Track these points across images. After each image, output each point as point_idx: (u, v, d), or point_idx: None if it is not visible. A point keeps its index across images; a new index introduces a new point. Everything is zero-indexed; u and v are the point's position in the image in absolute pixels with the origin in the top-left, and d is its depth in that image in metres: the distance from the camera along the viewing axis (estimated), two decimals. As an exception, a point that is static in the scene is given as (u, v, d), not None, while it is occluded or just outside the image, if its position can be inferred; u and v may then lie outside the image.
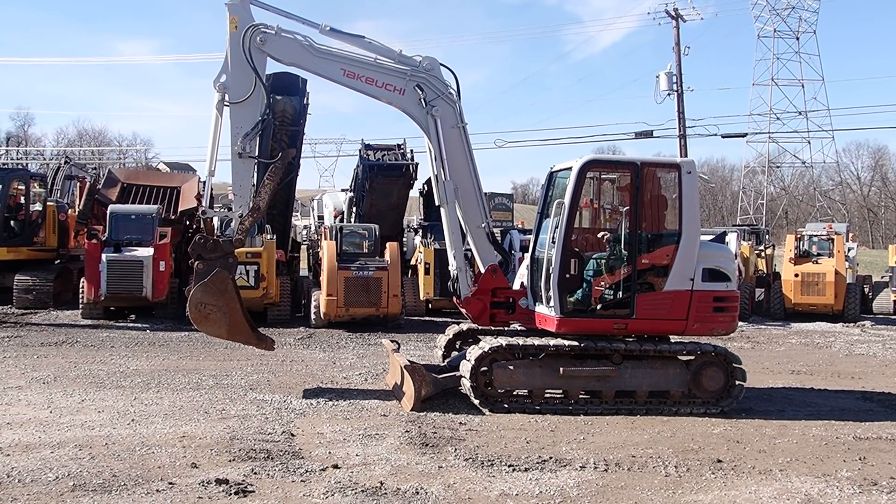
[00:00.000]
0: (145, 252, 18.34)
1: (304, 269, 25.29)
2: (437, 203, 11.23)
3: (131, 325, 18.12)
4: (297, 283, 21.48)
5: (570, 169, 10.32)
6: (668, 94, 36.54)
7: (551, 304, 10.10)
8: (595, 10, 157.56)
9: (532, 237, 11.28)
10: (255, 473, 7.22)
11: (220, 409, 9.81)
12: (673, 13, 37.68)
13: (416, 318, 20.80)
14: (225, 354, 14.16)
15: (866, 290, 25.37)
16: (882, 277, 26.18)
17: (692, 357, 10.32)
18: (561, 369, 10.06)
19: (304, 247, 26.20)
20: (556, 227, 10.09)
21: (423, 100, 10.91)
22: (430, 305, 21.66)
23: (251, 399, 10.46)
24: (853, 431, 9.16)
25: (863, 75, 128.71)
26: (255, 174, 11.57)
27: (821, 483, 7.19)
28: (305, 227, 28.62)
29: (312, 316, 18.48)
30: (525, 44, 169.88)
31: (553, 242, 10.12)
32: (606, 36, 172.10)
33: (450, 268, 11.26)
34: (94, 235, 18.79)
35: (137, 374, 12.04)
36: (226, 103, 10.61)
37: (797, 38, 73.11)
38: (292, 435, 8.69)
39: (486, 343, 10.19)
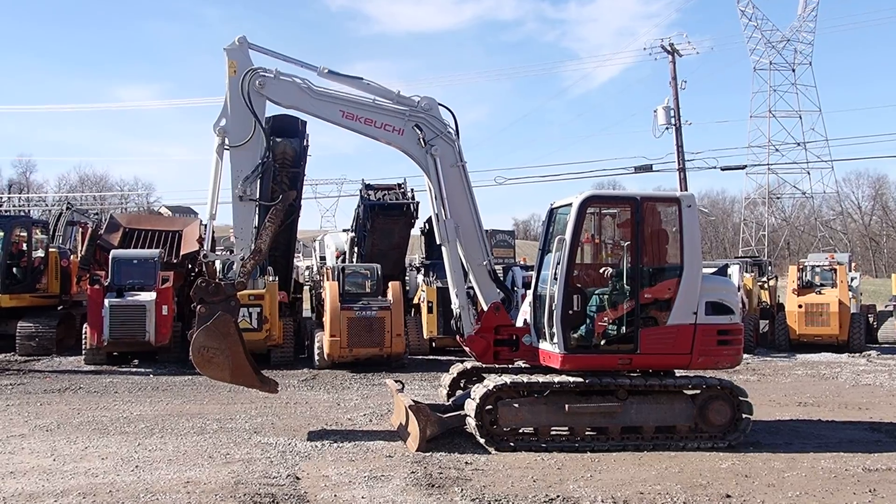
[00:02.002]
0: (148, 296, 18.34)
1: (307, 311, 25.25)
2: (438, 242, 11.26)
3: (134, 370, 18.06)
4: (300, 325, 21.44)
5: (570, 205, 10.34)
6: (667, 128, 36.72)
7: (555, 340, 10.07)
8: (592, 46, 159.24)
9: (534, 274, 11.27)
10: (261, 518, 7.16)
11: (225, 453, 9.75)
12: (669, 48, 38.00)
13: (420, 357, 20.74)
14: (229, 398, 14.09)
15: (871, 319, 25.28)
16: (886, 306, 26.10)
17: (698, 391, 10.27)
18: (566, 406, 10.01)
19: (306, 288, 26.18)
20: (558, 263, 10.08)
21: (422, 139, 10.99)
22: (433, 344, 21.59)
23: (255, 442, 10.39)
24: (862, 463, 9.09)
25: (860, 105, 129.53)
26: (257, 217, 11.60)
27: (831, 517, 7.12)
28: (308, 267, 28.61)
29: (316, 357, 18.43)
30: (524, 81, 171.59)
31: (555, 279, 10.11)
32: (604, 71, 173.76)
33: (452, 306, 11.26)
34: (97, 281, 18.82)
35: (141, 420, 11.98)
36: (226, 147, 10.67)
37: (793, 70, 73.62)
38: (297, 478, 8.62)
39: (491, 381, 10.15)
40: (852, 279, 25.03)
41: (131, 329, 18.07)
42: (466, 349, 11.06)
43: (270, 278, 18.75)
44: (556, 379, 10.07)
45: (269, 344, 18.50)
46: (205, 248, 11.43)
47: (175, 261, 21.58)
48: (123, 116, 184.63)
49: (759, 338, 23.55)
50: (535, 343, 10.71)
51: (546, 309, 10.28)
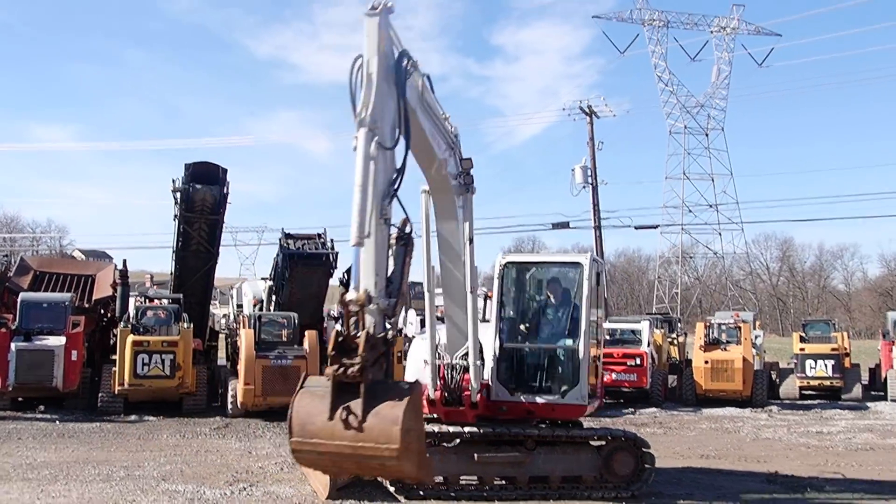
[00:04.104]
0: (57, 341, 17.99)
1: (221, 358, 24.97)
2: (467, 290, 9.97)
3: (40, 416, 17.59)
4: (214, 372, 21.19)
5: (576, 263, 10.95)
6: (584, 187, 37.74)
7: (582, 392, 10.29)
8: (515, 104, 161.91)
9: (494, 328, 10.71)
10: (165, 565, 7.14)
11: (131, 500, 9.66)
12: (587, 110, 39.21)
13: (335, 406, 20.64)
14: (137, 445, 13.89)
15: (773, 375, 26.17)
16: (788, 364, 27.06)
17: (603, 442, 10.56)
18: (476, 456, 10.19)
19: (222, 335, 25.92)
20: (573, 319, 10.63)
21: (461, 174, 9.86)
22: (349, 394, 21.52)
23: (163, 490, 10.30)
24: (755, 514, 9.48)
25: (769, 170, 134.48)
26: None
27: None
28: (225, 315, 28.32)
29: (229, 405, 18.26)
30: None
31: (569, 335, 10.62)
32: (526, 129, 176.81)
33: (460, 361, 10.19)
34: (3, 324, 18.36)
35: (45, 466, 11.73)
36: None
37: (706, 135, 76.19)
38: (204, 525, 8.60)
39: (402, 430, 10.26)
40: (756, 337, 25.90)
41: (38, 374, 17.68)
42: (468, 416, 10.25)
43: (185, 325, 18.58)
44: (467, 429, 10.25)
45: (182, 391, 18.24)
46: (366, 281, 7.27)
47: (87, 305, 21.23)
48: (39, 157, 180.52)
49: (668, 392, 24.14)
50: (502, 396, 10.44)
51: (567, 362, 10.55)
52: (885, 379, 24.83)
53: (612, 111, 40.25)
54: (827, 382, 24.69)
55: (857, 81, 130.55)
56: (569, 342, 10.64)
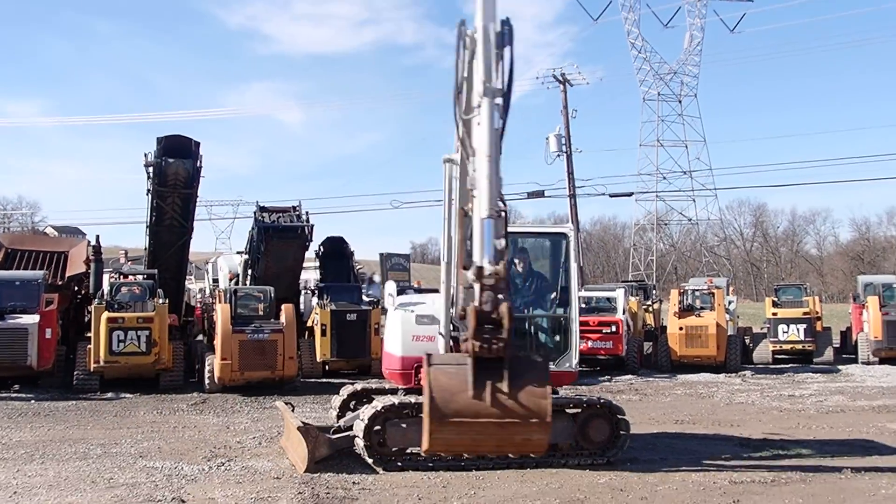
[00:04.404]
0: (30, 319, 17.85)
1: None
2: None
3: (15, 395, 17.49)
4: (190, 348, 21.14)
5: (558, 234, 11.23)
6: (558, 156, 37.81)
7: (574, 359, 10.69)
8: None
9: None
10: (144, 541, 7.16)
11: (108, 478, 9.63)
12: (560, 78, 39.20)
13: (313, 380, 20.75)
14: (114, 423, 13.86)
15: (746, 340, 26.51)
16: (761, 329, 27.39)
17: (579, 410, 10.66)
18: (453, 425, 10.26)
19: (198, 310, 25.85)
20: (563, 289, 10.91)
21: None
22: (326, 367, 21.64)
23: (141, 466, 10.28)
24: (729, 477, 9.60)
25: (742, 136, 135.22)
26: None
27: (696, 526, 7.56)
28: (200, 290, 28.25)
29: (206, 380, 18.22)
30: (422, 105, 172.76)
31: (562, 304, 10.86)
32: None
33: None
34: (-24, 303, 18.19)
35: (21, 446, 11.69)
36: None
37: (679, 102, 76.43)
38: (182, 501, 8.61)
39: (380, 402, 10.31)
40: (729, 302, 26.23)
41: (12, 353, 17.56)
42: None
43: (160, 301, 18.49)
44: (444, 399, 10.30)
45: (158, 368, 18.18)
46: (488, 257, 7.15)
47: (60, 282, 21.04)
48: (8, 133, 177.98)
49: (643, 359, 24.40)
50: None
51: (559, 330, 10.78)
52: (856, 342, 25.24)
53: (585, 79, 40.35)
54: (799, 346, 25.05)
55: (828, 47, 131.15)
56: (560, 310, 10.80)
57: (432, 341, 10.35)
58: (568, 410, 10.70)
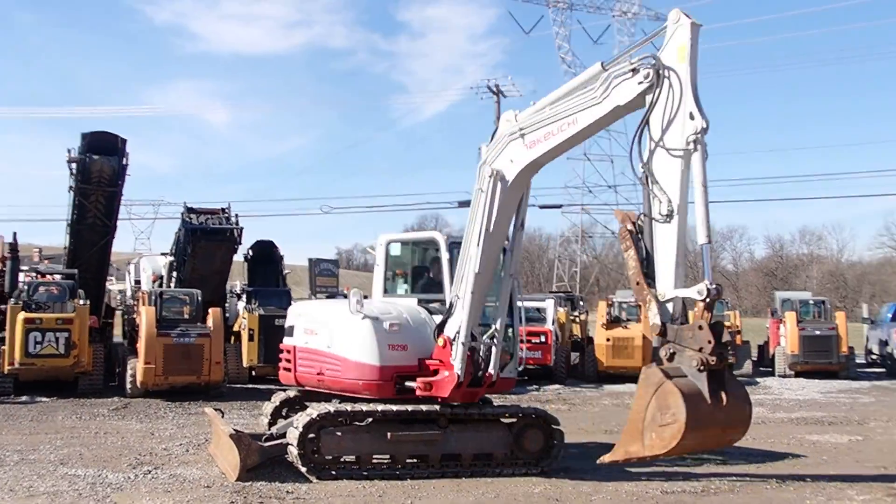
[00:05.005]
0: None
1: (118, 336, 24.23)
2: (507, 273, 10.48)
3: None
4: (111, 351, 20.52)
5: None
6: (489, 166, 37.94)
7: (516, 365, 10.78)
8: (420, 80, 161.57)
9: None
10: (70, 552, 6.87)
11: (28, 486, 9.24)
12: (494, 89, 39.46)
13: (239, 385, 20.36)
14: (31, 428, 13.36)
15: (670, 352, 26.95)
16: (683, 341, 27.88)
17: (514, 419, 10.66)
18: (388, 434, 10.14)
19: (118, 312, 25.15)
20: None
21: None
22: (253, 373, 21.27)
23: (62, 474, 9.90)
24: (661, 486, 9.71)
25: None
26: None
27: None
28: (121, 291, 27.47)
29: (128, 385, 17.72)
30: (352, 110, 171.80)
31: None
32: (431, 106, 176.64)
33: (485, 341, 10.26)
34: None
35: (-68, 451, 11.16)
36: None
37: (604, 117, 77.55)
38: (110, 510, 8.32)
39: (314, 410, 10.14)
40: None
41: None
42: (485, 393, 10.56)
43: (81, 302, 17.90)
44: (380, 407, 10.18)
45: (78, 371, 17.61)
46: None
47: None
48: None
49: (570, 369, 24.62)
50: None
51: (506, 338, 10.58)
52: (773, 356, 25.91)
53: (518, 91, 40.66)
54: (722, 358, 25.55)
55: (750, 70, 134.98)
56: (507, 319, 10.65)
57: (406, 350, 10.26)
58: (503, 420, 10.70)
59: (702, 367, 7.43)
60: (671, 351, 7.81)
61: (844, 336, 24.84)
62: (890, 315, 27.60)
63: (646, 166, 8.19)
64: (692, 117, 7.99)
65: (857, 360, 27.54)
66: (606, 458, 8.22)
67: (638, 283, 8.26)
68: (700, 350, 7.53)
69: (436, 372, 10.12)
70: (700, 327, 7.63)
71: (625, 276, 78.92)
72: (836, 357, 24.66)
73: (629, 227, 8.46)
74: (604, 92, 8.63)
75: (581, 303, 30.70)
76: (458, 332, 9.88)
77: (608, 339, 23.48)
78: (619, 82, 8.51)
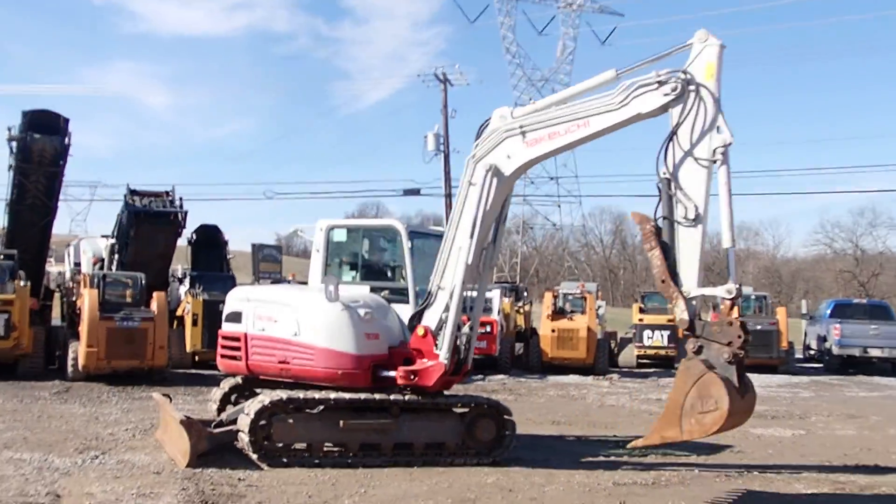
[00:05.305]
0: None
1: (56, 318, 23.71)
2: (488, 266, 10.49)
3: None
4: (50, 333, 20.09)
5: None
6: (436, 154, 38.00)
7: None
8: (363, 67, 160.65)
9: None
10: (21, 539, 6.73)
11: (-28, 470, 9.02)
12: (442, 77, 39.41)
13: (182, 370, 20.10)
14: (-30, 411, 13.02)
15: (612, 345, 27.38)
16: (626, 333, 28.35)
17: (466, 409, 10.71)
18: (341, 422, 10.11)
19: (57, 294, 24.60)
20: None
21: None
22: (196, 358, 21.01)
23: (6, 458, 9.68)
24: (612, 478, 9.85)
25: (605, 147, 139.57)
26: None
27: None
28: (59, 273, 26.87)
29: (69, 368, 17.37)
30: (293, 95, 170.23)
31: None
32: (374, 93, 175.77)
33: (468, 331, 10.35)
34: None
35: None
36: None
37: (550, 109, 78.10)
38: (58, 496, 8.16)
39: (266, 396, 10.05)
40: (599, 307, 27.02)
41: None
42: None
43: (22, 283, 17.48)
44: (332, 395, 10.14)
45: (18, 353, 17.23)
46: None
47: None
48: None
49: (515, 359, 24.81)
50: None
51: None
52: (715, 349, 26.40)
53: (466, 80, 40.70)
54: (662, 352, 26.10)
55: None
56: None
57: (378, 339, 10.25)
58: (456, 410, 10.74)
59: (732, 360, 8.00)
60: (699, 345, 8.23)
61: (785, 331, 25.50)
62: (829, 311, 28.32)
63: (672, 174, 8.57)
64: (720, 131, 8.48)
65: (796, 356, 28.25)
66: (640, 443, 8.58)
67: (664, 281, 8.55)
68: (729, 344, 8.05)
69: (408, 361, 10.18)
70: (730, 323, 8.18)
71: (565, 268, 79.84)
72: (777, 352, 25.30)
73: (649, 227, 8.69)
74: (624, 99, 8.90)
75: (525, 293, 30.93)
76: (444, 322, 9.98)
77: (553, 331, 23.70)
78: (642, 92, 8.82)
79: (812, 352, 30.00)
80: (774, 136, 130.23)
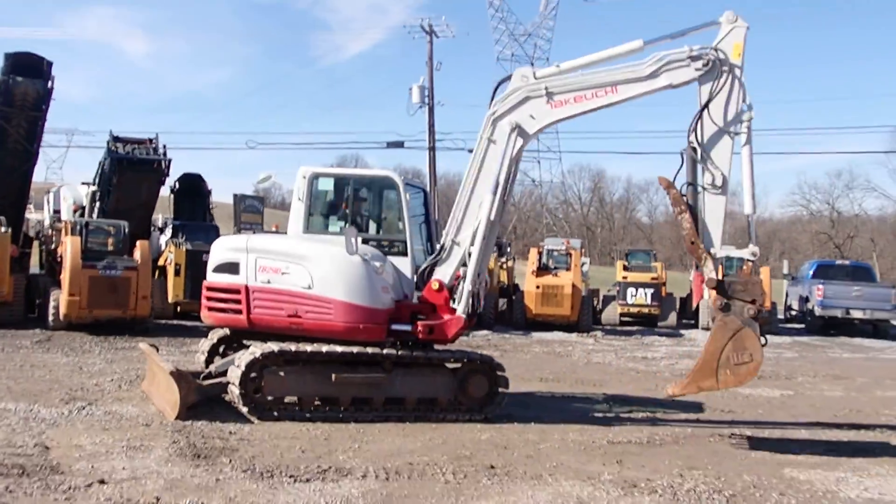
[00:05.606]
0: None
1: (34, 267, 23.34)
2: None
3: None
4: (30, 281, 19.77)
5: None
6: (420, 107, 37.56)
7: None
8: (343, 18, 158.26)
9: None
10: (11, 491, 6.58)
11: (-43, 419, 8.84)
12: (427, 28, 38.84)
13: (164, 321, 19.89)
14: (-49, 359, 12.78)
15: (595, 302, 27.40)
16: (609, 291, 28.36)
17: (459, 365, 10.60)
18: (333, 376, 9.97)
19: (35, 243, 24.20)
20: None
21: None
22: (178, 308, 20.79)
23: (-8, 408, 9.50)
24: (606, 436, 9.80)
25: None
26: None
27: (588, 486, 7.64)
28: (38, 221, 26.46)
29: (50, 317, 17.12)
30: (273, 46, 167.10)
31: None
32: (354, 45, 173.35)
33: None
34: None
35: None
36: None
37: (532, 64, 77.46)
38: (47, 448, 7.99)
39: (257, 349, 9.87)
40: (583, 264, 26.97)
41: None
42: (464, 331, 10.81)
43: (2, 229, 17.13)
44: (324, 348, 9.98)
45: (-2, 301, 16.94)
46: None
47: None
48: None
49: (498, 315, 24.77)
50: None
51: None
52: (696, 308, 26.51)
53: (452, 32, 40.11)
54: (645, 310, 26.09)
55: (677, 20, 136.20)
56: None
57: (388, 293, 10.25)
58: (448, 365, 10.63)
59: (755, 316, 8.93)
60: (724, 301, 9.06)
61: (768, 291, 25.56)
62: (811, 272, 28.42)
63: (701, 145, 9.34)
64: (749, 107, 9.34)
65: (778, 316, 28.36)
66: (675, 391, 9.32)
67: (693, 243, 9.36)
68: (753, 301, 8.99)
69: (415, 315, 10.31)
70: (753, 283, 9.15)
71: (543, 225, 79.84)
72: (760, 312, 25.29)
73: (676, 192, 9.43)
74: (655, 71, 9.55)
75: (508, 249, 30.83)
76: (463, 276, 10.31)
77: (538, 287, 23.62)
78: (675, 65, 9.51)
79: (793, 312, 30.11)
80: (752, 97, 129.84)
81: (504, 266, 28.64)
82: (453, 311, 10.36)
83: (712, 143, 9.38)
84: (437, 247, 10.60)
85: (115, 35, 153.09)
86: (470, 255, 10.29)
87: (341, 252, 9.93)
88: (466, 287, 10.31)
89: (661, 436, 9.96)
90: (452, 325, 10.35)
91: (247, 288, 10.21)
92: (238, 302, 10.23)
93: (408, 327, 10.27)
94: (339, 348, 10.01)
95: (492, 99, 10.31)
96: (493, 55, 79.70)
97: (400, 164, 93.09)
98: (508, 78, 10.36)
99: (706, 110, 9.33)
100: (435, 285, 10.32)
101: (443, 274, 10.37)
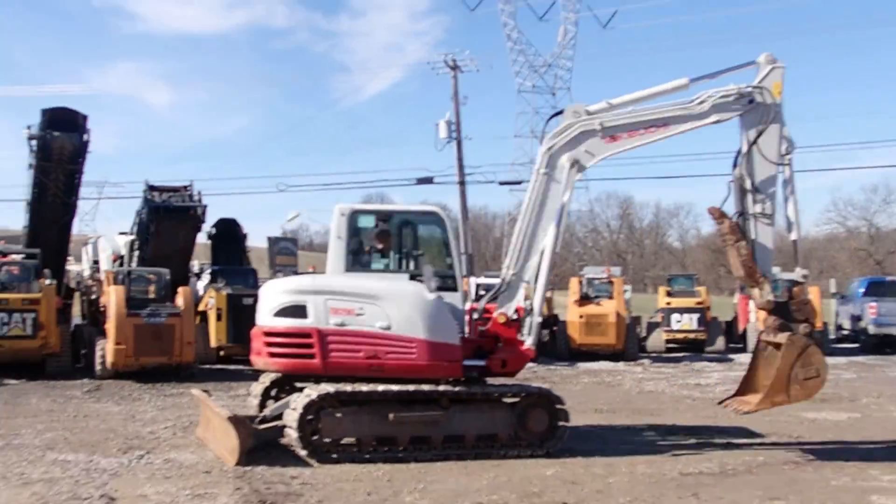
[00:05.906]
0: None
1: (76, 316, 23.45)
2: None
3: None
4: (75, 332, 19.82)
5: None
6: (448, 142, 37.57)
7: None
8: (360, 59, 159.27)
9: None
10: (82, 545, 6.44)
11: (20, 472, 8.75)
12: (451, 63, 38.98)
13: (207, 366, 19.83)
14: (6, 412, 12.78)
15: (637, 329, 27.01)
16: (652, 318, 27.95)
17: (517, 399, 10.39)
18: (391, 415, 9.80)
19: (77, 293, 24.35)
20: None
21: None
22: (221, 353, 20.74)
23: (52, 460, 9.42)
24: (675, 467, 9.52)
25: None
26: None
27: (668, 519, 7.39)
28: (78, 272, 26.66)
29: (98, 366, 17.11)
30: (293, 90, 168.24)
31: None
32: (373, 85, 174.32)
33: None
34: None
35: None
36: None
37: (553, 94, 77.50)
38: (112, 499, 7.89)
39: (313, 390, 9.72)
40: (625, 292, 26.65)
41: None
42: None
43: (47, 281, 17.21)
44: (380, 387, 9.82)
45: (45, 352, 16.99)
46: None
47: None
48: None
49: (540, 346, 24.44)
50: None
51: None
52: (745, 332, 26.00)
53: (476, 66, 40.18)
54: (692, 335, 25.67)
55: (698, 45, 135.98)
56: None
57: (459, 330, 10.24)
58: (506, 400, 10.42)
59: (810, 334, 9.61)
60: (780, 321, 9.74)
61: (819, 311, 25.01)
62: (862, 290, 27.79)
63: (751, 176, 10.12)
64: (788, 140, 10.16)
65: (829, 336, 27.76)
66: (752, 409, 9.87)
67: (750, 268, 9.94)
68: (806, 321, 9.72)
69: (478, 349, 10.37)
70: (805, 303, 9.89)
71: (572, 254, 79.37)
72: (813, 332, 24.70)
73: (730, 223, 10.11)
74: (703, 108, 10.24)
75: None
76: (529, 309, 10.56)
77: (581, 317, 23.33)
78: (723, 102, 10.22)
79: (844, 331, 29.40)
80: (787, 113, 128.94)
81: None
82: (521, 343, 10.45)
83: (760, 176, 10.15)
84: (498, 281, 10.79)
85: (139, 88, 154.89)
86: (535, 288, 10.51)
87: (419, 290, 9.93)
88: (535, 319, 10.51)
89: (732, 465, 9.65)
90: (522, 359, 10.55)
91: (319, 331, 9.87)
92: (309, 346, 9.86)
93: (481, 362, 10.30)
94: (394, 387, 9.84)
95: (542, 134, 10.79)
96: (513, 87, 79.67)
97: (426, 200, 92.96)
98: (560, 112, 10.82)
99: (756, 145, 10.09)
100: (502, 319, 10.44)
101: (507, 307, 10.50)
